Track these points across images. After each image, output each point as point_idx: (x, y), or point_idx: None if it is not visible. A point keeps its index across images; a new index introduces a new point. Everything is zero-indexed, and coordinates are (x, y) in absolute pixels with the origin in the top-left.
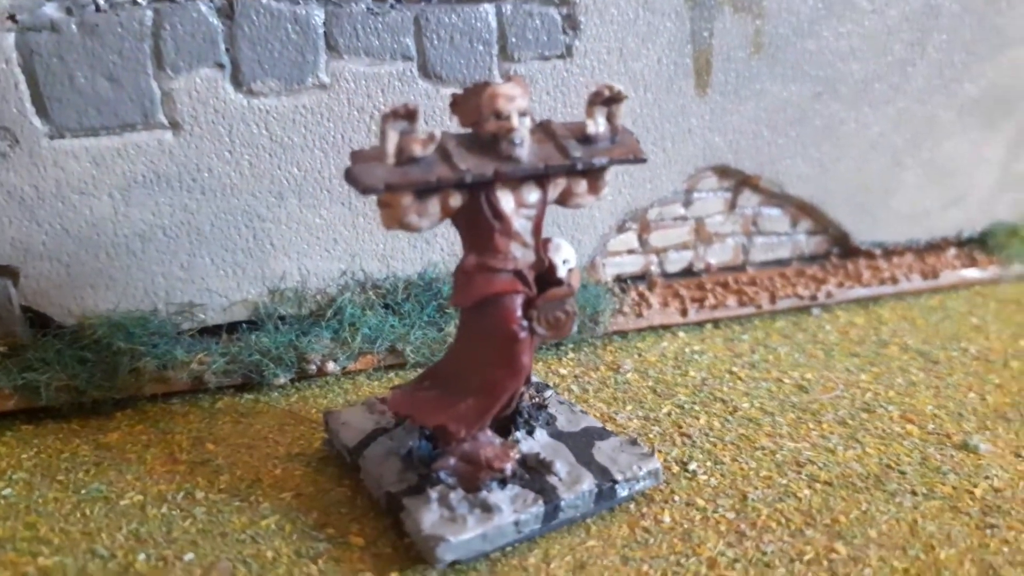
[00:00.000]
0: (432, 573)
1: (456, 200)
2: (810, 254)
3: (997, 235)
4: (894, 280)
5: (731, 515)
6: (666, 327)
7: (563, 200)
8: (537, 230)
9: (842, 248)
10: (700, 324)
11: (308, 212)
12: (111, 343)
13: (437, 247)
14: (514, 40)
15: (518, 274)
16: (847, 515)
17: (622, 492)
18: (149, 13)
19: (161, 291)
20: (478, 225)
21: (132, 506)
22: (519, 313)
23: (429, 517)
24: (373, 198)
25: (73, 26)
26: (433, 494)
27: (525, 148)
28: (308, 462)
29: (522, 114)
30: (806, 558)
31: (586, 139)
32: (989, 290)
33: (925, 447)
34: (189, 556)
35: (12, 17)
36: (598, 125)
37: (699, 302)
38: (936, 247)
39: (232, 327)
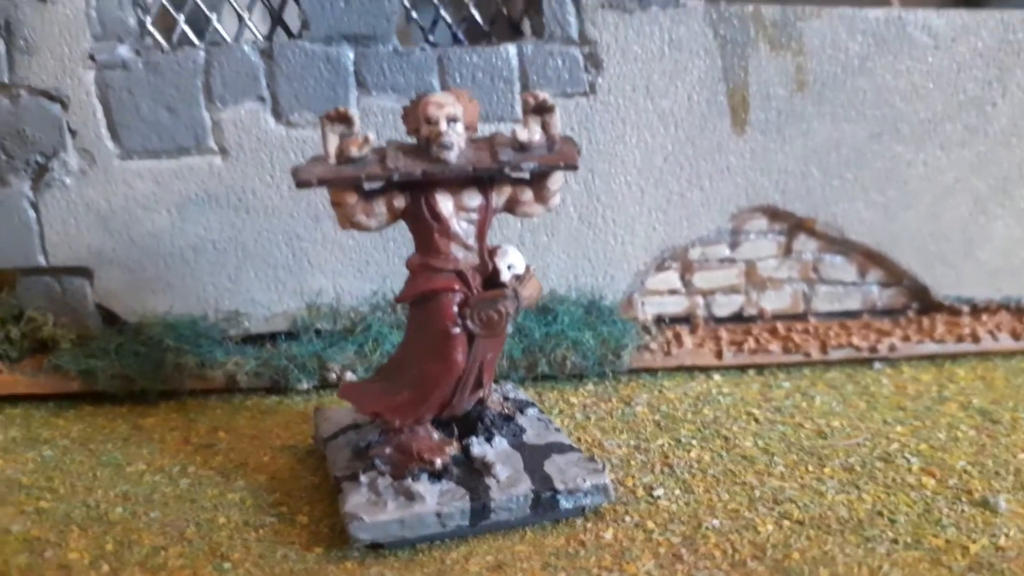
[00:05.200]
0: (353, 552)
1: (400, 201)
2: (884, 307)
3: None
4: (975, 337)
5: (677, 539)
6: (702, 369)
7: (511, 208)
8: (481, 234)
9: (922, 303)
10: (742, 369)
11: (342, 234)
12: (162, 340)
13: None
14: (535, 78)
15: (459, 274)
16: (804, 553)
17: (565, 504)
18: (201, 53)
19: (211, 299)
20: (420, 225)
21: (134, 472)
22: (454, 310)
23: (355, 499)
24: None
25: (140, 64)
26: (364, 479)
27: (455, 152)
28: (296, 453)
29: (452, 120)
30: None
31: (520, 146)
32: None
33: (934, 500)
34: (155, 514)
35: (92, 57)
36: (532, 133)
37: (737, 345)
38: None
39: (273, 337)
